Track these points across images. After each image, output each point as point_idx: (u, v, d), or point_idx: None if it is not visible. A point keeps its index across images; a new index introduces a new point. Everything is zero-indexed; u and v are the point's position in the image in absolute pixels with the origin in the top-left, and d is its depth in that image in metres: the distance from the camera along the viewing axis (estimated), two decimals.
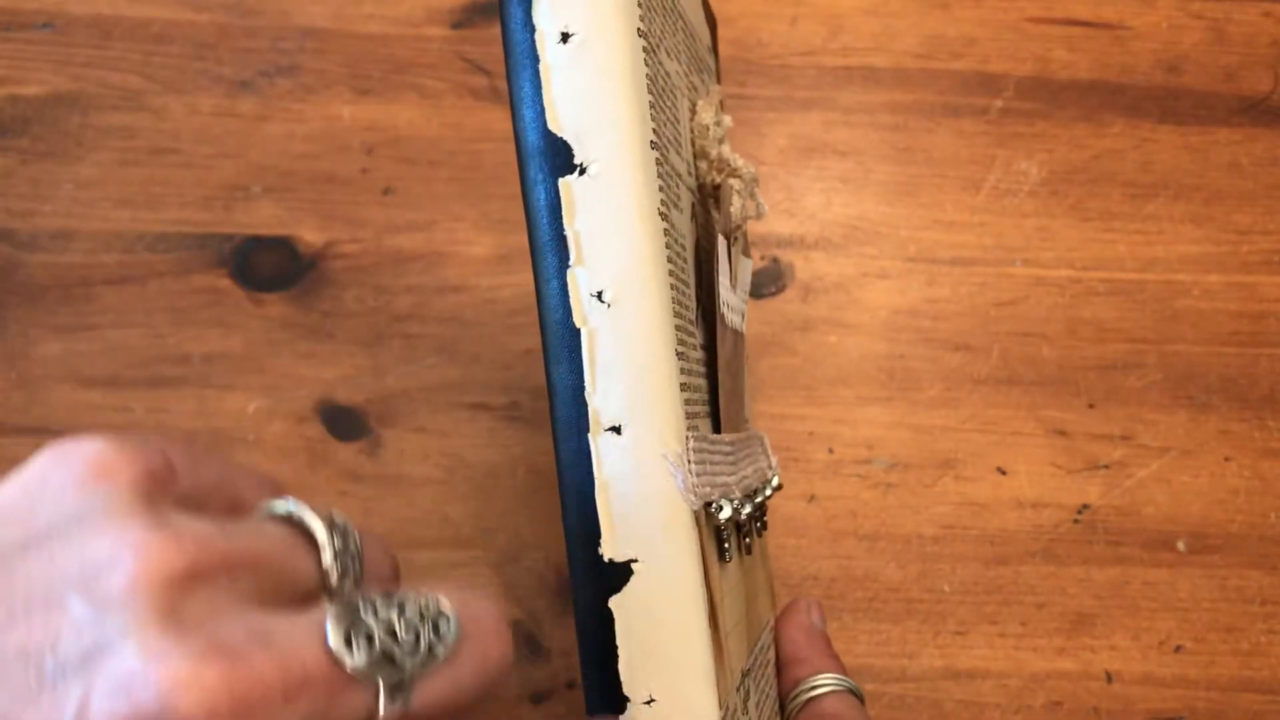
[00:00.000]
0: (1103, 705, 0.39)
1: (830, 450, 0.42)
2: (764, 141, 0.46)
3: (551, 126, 0.22)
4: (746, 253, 0.32)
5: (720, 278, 0.27)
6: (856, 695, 0.32)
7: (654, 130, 0.23)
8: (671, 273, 0.23)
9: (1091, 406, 0.43)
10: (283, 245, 0.45)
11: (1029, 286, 0.44)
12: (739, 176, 0.28)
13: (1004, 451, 0.42)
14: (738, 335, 0.30)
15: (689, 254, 0.26)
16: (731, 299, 0.28)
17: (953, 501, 0.41)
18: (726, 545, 0.25)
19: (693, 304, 0.25)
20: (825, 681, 0.32)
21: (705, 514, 0.23)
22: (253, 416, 0.43)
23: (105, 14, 0.48)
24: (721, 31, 0.48)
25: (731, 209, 0.27)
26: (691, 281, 0.25)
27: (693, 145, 0.28)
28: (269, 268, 0.45)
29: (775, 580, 0.39)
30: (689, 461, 0.22)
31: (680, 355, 0.23)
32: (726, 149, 0.28)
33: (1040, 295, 0.44)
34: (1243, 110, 0.47)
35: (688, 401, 0.23)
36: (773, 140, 0.47)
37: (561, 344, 0.22)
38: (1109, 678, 0.40)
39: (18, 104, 0.47)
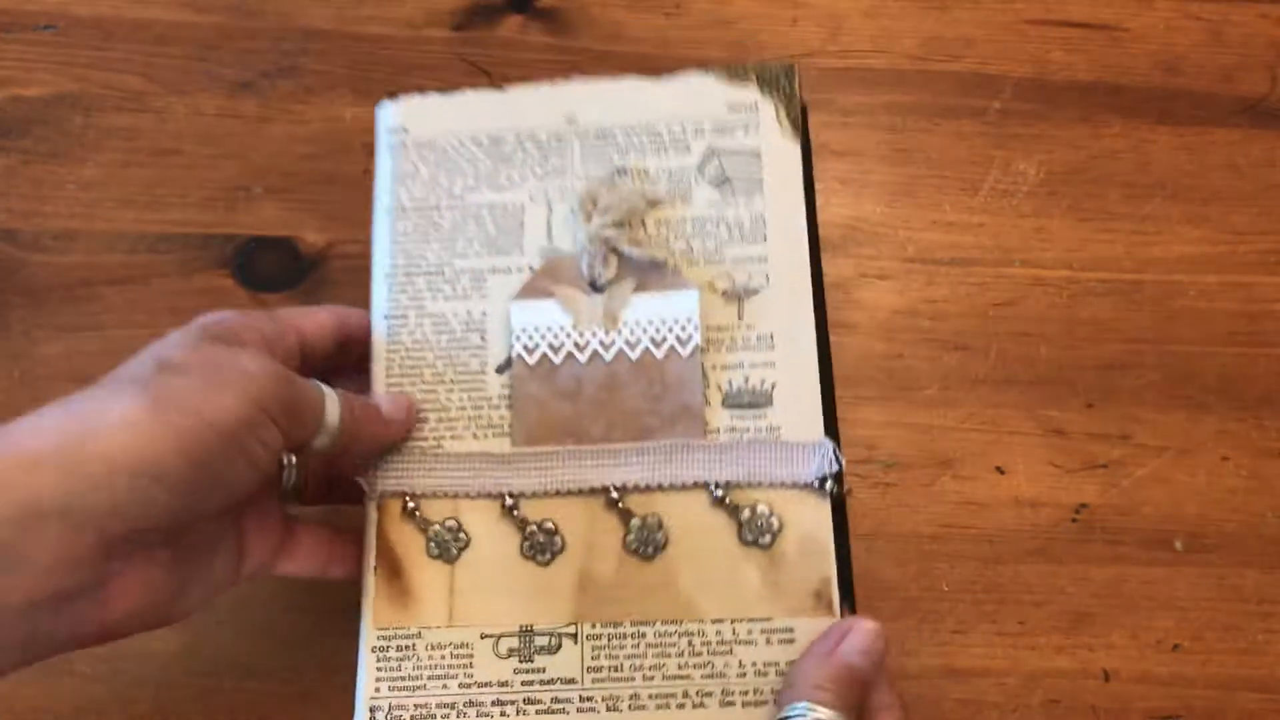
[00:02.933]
0: (1100, 704, 0.39)
1: None
2: None
3: None
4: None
5: None
6: None
7: None
8: None
9: (1089, 406, 0.43)
10: (285, 245, 0.45)
11: (1027, 287, 0.45)
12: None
13: (1002, 451, 0.42)
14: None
15: None
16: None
17: (951, 501, 0.42)
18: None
19: None
20: (795, 713, 0.29)
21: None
22: None
23: (107, 15, 0.48)
24: (721, 33, 0.49)
25: None
26: None
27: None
28: (271, 268, 0.45)
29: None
30: None
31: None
32: None
33: (1038, 295, 0.44)
34: (1240, 111, 0.47)
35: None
36: None
37: None
38: (1107, 676, 0.40)
39: (20, 105, 0.47)
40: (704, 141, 0.37)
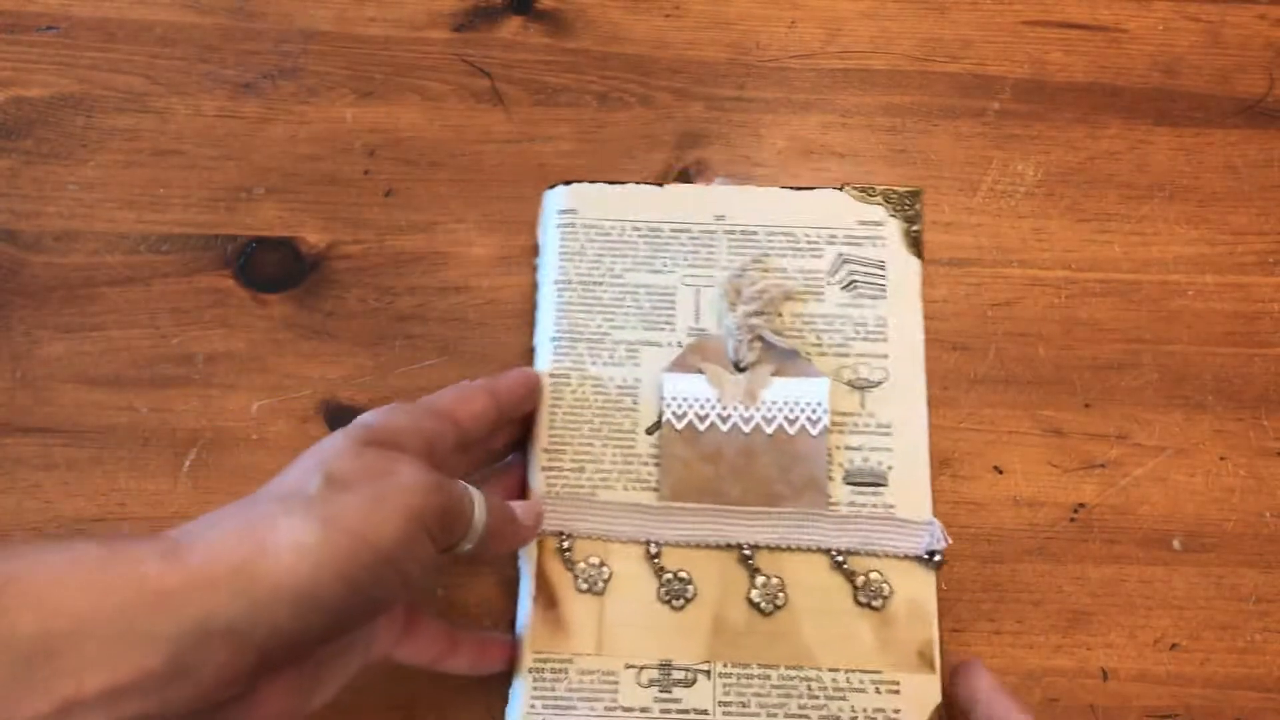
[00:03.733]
0: (1099, 702, 0.40)
1: None
2: (762, 143, 0.47)
3: None
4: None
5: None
6: None
7: None
8: None
9: (1087, 406, 0.43)
10: (286, 246, 0.45)
11: (1025, 287, 0.45)
12: None
13: (1000, 450, 0.42)
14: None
15: None
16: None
17: (949, 500, 0.42)
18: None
19: None
20: None
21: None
22: (256, 416, 0.43)
23: (109, 16, 0.48)
24: (720, 34, 0.49)
25: None
26: None
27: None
28: (272, 268, 0.45)
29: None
30: None
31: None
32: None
33: (1036, 295, 0.45)
34: (1238, 112, 0.47)
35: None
36: (771, 142, 0.47)
37: None
38: (1105, 675, 0.40)
39: (22, 105, 0.47)
40: (835, 249, 0.42)
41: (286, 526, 0.27)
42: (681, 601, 0.38)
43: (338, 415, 0.43)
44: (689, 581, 0.38)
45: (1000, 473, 0.42)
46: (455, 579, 0.41)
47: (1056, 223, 0.46)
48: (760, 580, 0.38)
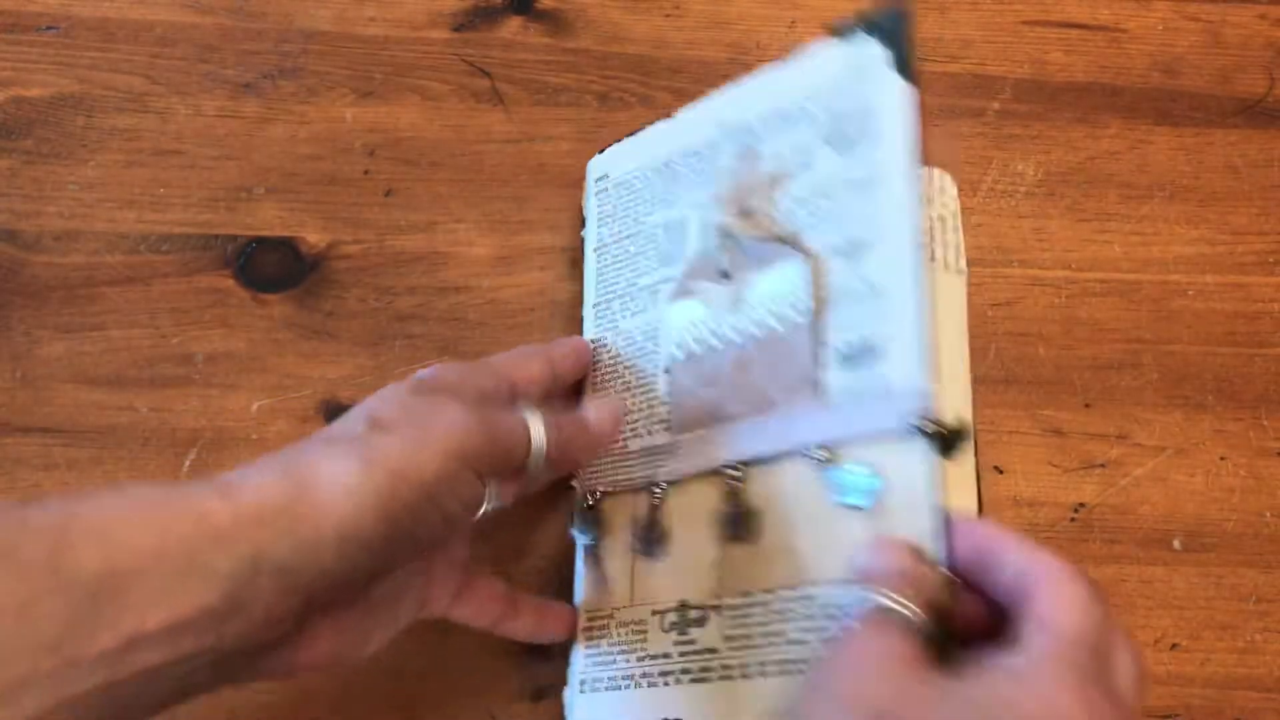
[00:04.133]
0: None
1: None
2: None
3: None
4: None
5: None
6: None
7: None
8: None
9: (1087, 406, 0.43)
10: (286, 246, 0.45)
11: (1025, 287, 0.45)
12: None
13: (1001, 450, 0.42)
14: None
15: None
16: None
17: None
18: None
19: None
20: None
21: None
22: (256, 415, 0.43)
23: (109, 16, 0.48)
24: (720, 34, 0.49)
25: None
26: None
27: None
28: (272, 268, 0.45)
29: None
30: None
31: None
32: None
33: (1037, 295, 0.45)
34: (1238, 112, 0.47)
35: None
36: None
37: None
38: None
39: (22, 105, 0.47)
40: (823, 104, 0.36)
41: (329, 467, 0.27)
42: (661, 546, 0.37)
43: (337, 415, 0.43)
44: (667, 528, 0.36)
45: (1000, 472, 0.42)
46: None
47: (1056, 223, 0.46)
48: (742, 502, 0.35)
